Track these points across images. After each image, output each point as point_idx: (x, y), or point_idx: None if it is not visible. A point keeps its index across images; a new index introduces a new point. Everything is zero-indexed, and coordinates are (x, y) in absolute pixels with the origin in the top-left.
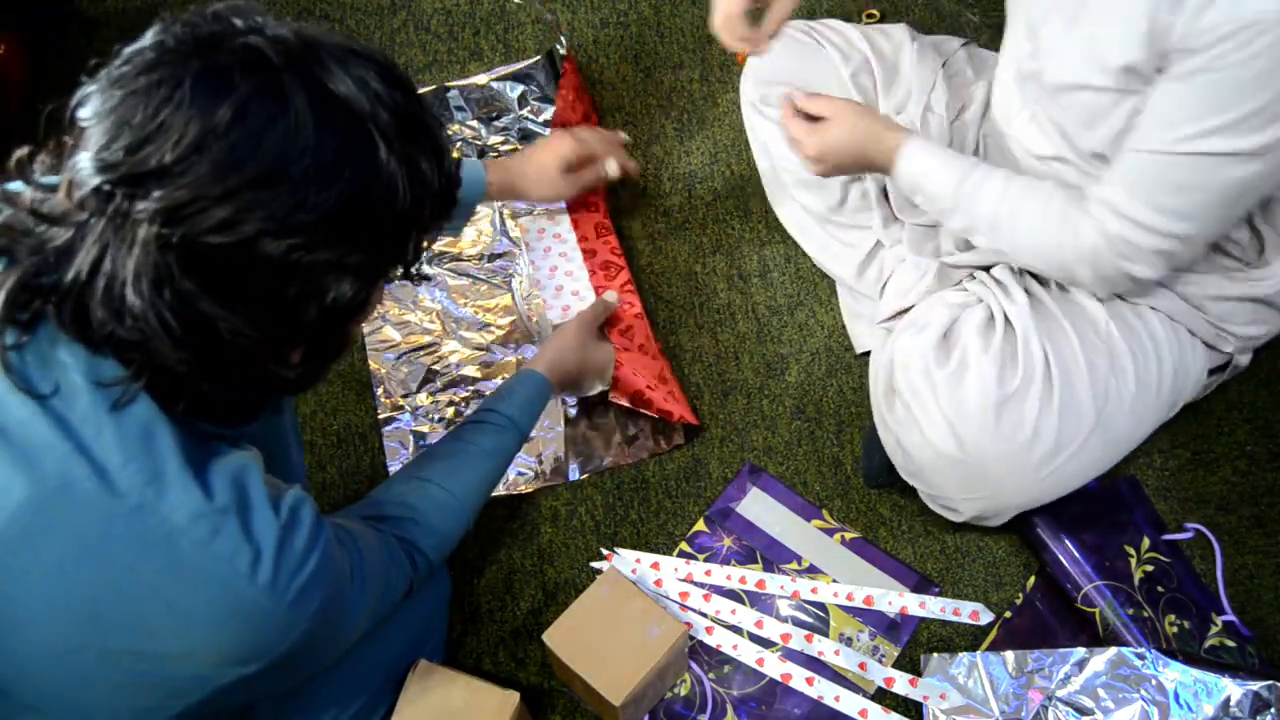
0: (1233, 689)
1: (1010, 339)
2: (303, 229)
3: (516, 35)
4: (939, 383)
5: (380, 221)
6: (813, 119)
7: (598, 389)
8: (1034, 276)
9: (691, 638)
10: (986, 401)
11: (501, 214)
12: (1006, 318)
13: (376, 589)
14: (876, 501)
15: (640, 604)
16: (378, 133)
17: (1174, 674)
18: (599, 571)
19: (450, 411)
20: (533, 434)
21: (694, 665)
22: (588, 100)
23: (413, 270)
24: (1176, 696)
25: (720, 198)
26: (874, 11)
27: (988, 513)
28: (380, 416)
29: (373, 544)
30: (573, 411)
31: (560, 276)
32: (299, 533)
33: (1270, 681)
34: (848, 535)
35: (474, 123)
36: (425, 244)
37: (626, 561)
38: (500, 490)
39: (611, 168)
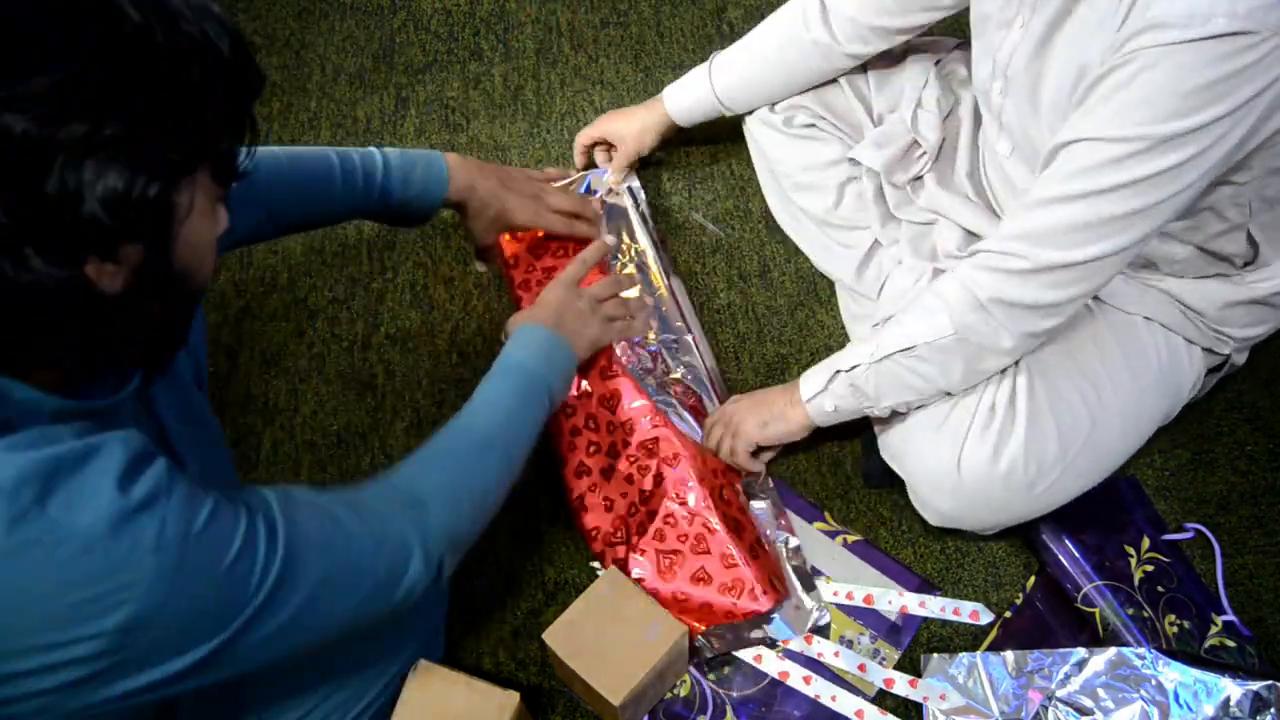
0: (1233, 689)
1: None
2: (41, 97)
3: (516, 35)
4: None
5: (135, 84)
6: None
7: (599, 338)
8: None
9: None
10: (974, 428)
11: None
12: None
13: (333, 565)
14: (877, 502)
15: (640, 604)
16: None
17: (1174, 674)
18: (599, 571)
19: None
20: None
21: (693, 666)
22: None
23: (227, 169)
24: (1176, 696)
25: (720, 198)
26: None
27: (969, 527)
28: None
29: (338, 517)
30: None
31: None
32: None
33: (1270, 681)
34: (850, 538)
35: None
36: (235, 137)
37: None
38: None
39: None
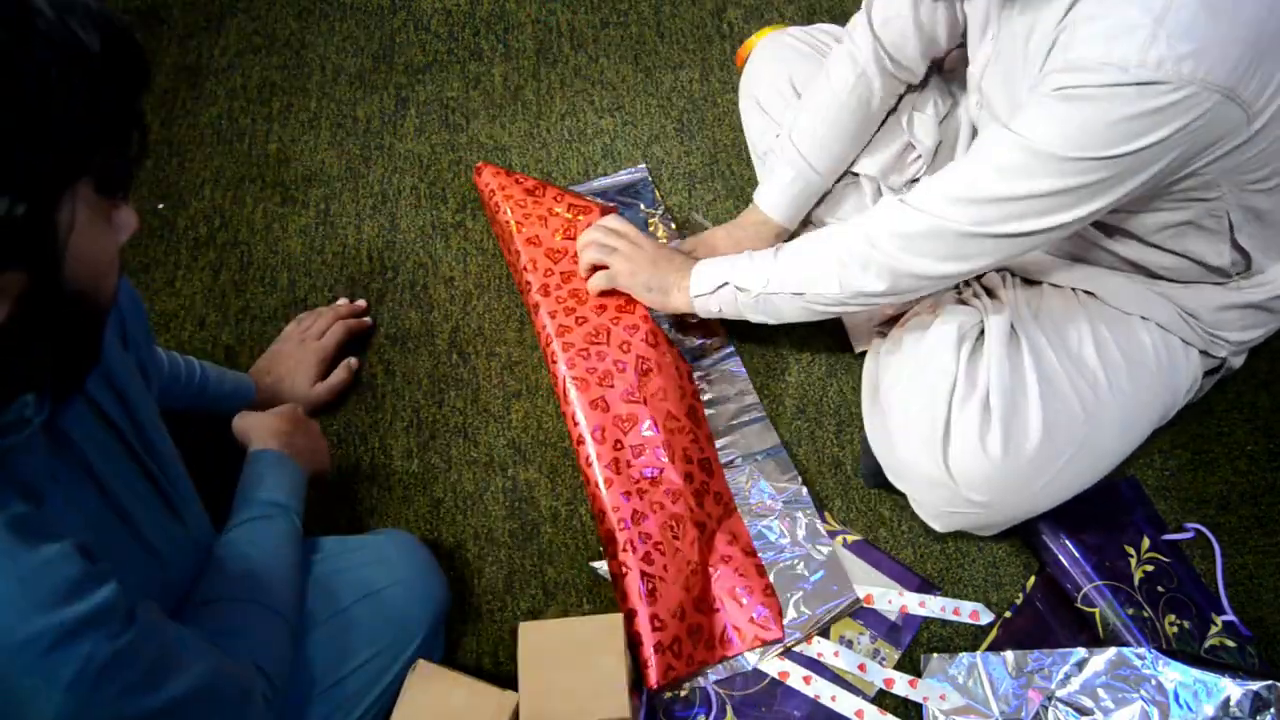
0: (1233, 689)
1: (992, 361)
2: None
3: (516, 35)
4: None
5: None
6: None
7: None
8: (1025, 283)
9: None
10: (970, 426)
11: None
12: (991, 338)
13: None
14: (877, 502)
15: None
16: None
17: (1174, 674)
18: (599, 571)
19: None
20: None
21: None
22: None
23: (112, 178)
24: (1176, 696)
25: (720, 198)
26: None
27: (968, 528)
28: None
29: (203, 653)
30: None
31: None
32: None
33: (1270, 681)
34: (849, 538)
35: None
36: (117, 141)
37: None
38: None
39: (350, 364)
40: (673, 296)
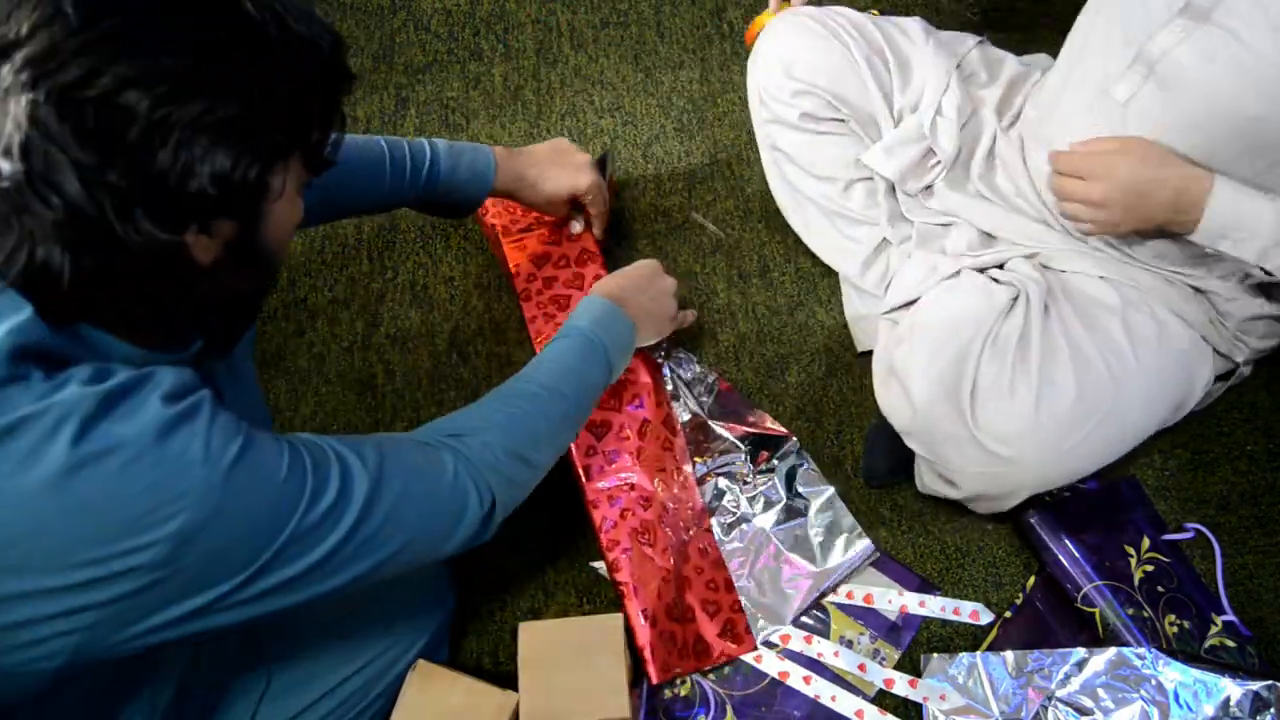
0: (1233, 689)
1: (1026, 324)
2: (164, 77)
3: (516, 35)
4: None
5: (249, 72)
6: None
7: (663, 325)
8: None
9: None
10: (1001, 377)
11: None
12: (1025, 304)
13: (389, 497)
14: (877, 501)
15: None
16: None
17: (1174, 674)
18: (599, 571)
19: None
20: None
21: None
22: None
23: (317, 158)
24: (1176, 696)
25: (720, 198)
26: (875, 11)
27: (992, 491)
28: None
29: (397, 454)
30: None
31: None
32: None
33: (1270, 681)
34: None
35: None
36: (328, 128)
37: None
38: None
39: (575, 227)
40: (1183, 202)
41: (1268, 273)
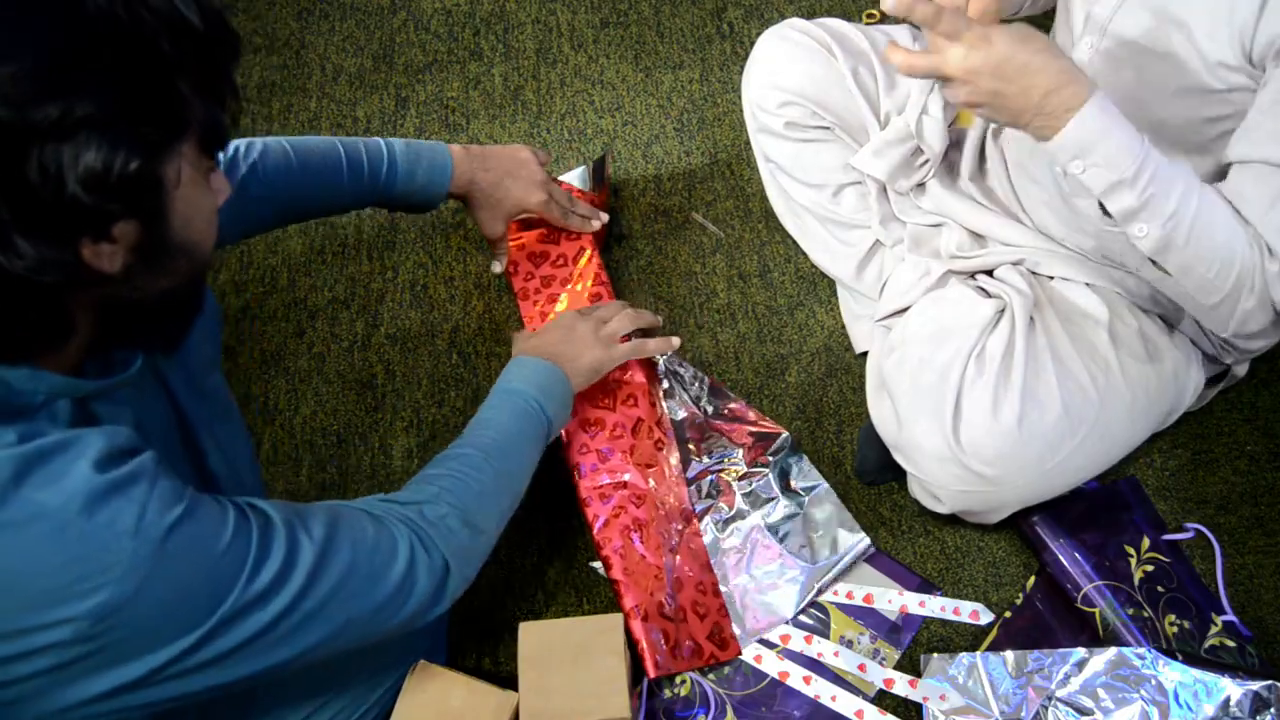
0: (1232, 689)
1: (1010, 340)
2: (9, 84)
3: (516, 35)
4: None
5: (103, 63)
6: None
7: (601, 362)
8: (1034, 276)
9: None
10: (984, 397)
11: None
12: (1010, 319)
13: (335, 568)
14: (876, 501)
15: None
16: None
17: (1174, 674)
18: (599, 571)
19: None
20: None
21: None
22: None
23: (212, 138)
24: (1176, 696)
25: (720, 198)
26: (874, 12)
27: (976, 508)
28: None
29: (343, 520)
30: None
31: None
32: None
33: (1270, 681)
34: None
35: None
36: (216, 105)
37: None
38: None
39: (495, 267)
40: (1053, 113)
41: (1108, 214)
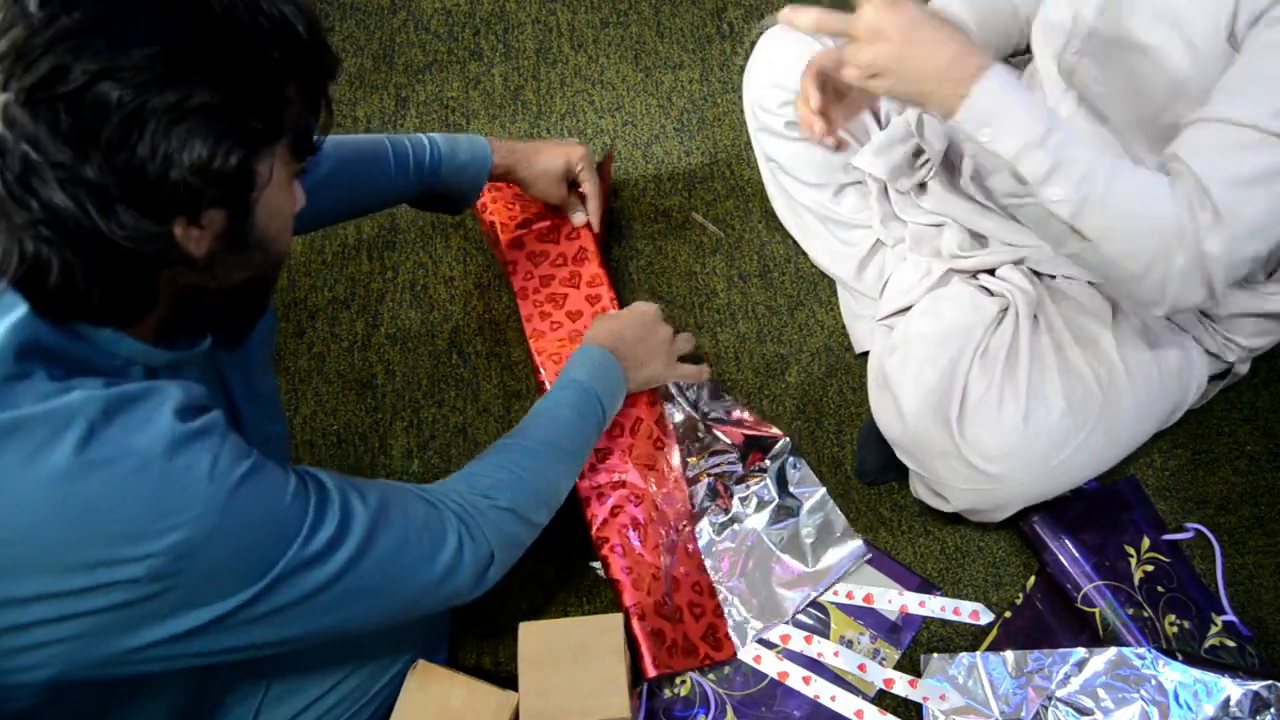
0: (1233, 689)
1: (1015, 337)
2: (134, 68)
3: (516, 35)
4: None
5: (223, 59)
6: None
7: (659, 375)
8: (1035, 275)
9: None
10: (989, 393)
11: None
12: (1014, 317)
13: (385, 541)
14: (877, 501)
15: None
16: None
17: (1174, 674)
18: (598, 571)
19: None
20: None
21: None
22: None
23: (304, 145)
24: (1176, 696)
25: (720, 198)
26: None
27: (981, 506)
28: None
29: (391, 500)
30: None
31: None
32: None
33: (1270, 681)
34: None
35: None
36: (312, 115)
37: None
38: None
39: (578, 218)
40: (943, 97)
41: (1020, 180)
